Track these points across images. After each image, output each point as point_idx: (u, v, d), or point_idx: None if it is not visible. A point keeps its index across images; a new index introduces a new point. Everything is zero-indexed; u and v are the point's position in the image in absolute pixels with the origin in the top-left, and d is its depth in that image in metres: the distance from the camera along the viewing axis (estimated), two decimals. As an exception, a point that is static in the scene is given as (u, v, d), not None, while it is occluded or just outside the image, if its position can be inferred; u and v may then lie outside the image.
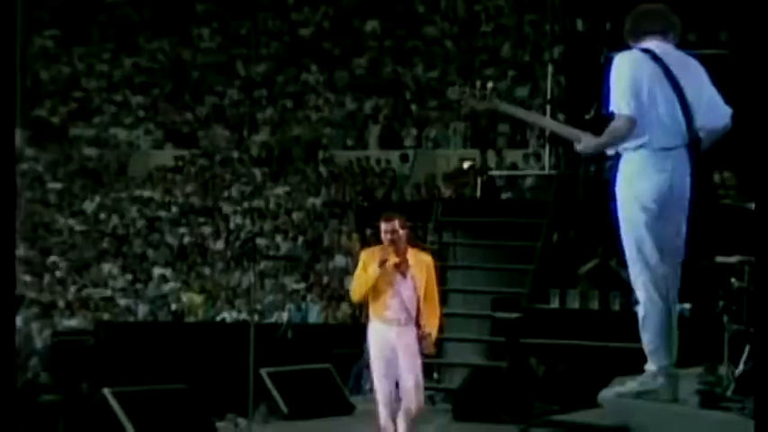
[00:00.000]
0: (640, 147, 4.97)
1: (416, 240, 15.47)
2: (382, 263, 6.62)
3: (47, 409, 10.39)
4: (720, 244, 5.51)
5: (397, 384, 6.73)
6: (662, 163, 4.95)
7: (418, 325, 6.71)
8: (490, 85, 5.24)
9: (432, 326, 6.76)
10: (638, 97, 4.95)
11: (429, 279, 6.76)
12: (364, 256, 6.80)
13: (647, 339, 5.01)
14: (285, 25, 28.26)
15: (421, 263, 6.79)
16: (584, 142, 5.10)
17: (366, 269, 6.68)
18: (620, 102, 4.98)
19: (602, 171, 5.25)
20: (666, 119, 4.98)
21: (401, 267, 6.70)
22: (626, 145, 5.01)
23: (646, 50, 5.04)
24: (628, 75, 4.99)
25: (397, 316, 6.67)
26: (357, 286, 6.78)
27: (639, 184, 4.96)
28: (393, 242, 6.69)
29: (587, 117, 5.19)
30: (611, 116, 5.06)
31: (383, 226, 6.76)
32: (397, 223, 6.76)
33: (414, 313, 6.67)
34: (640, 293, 5.02)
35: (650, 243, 4.96)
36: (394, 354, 6.65)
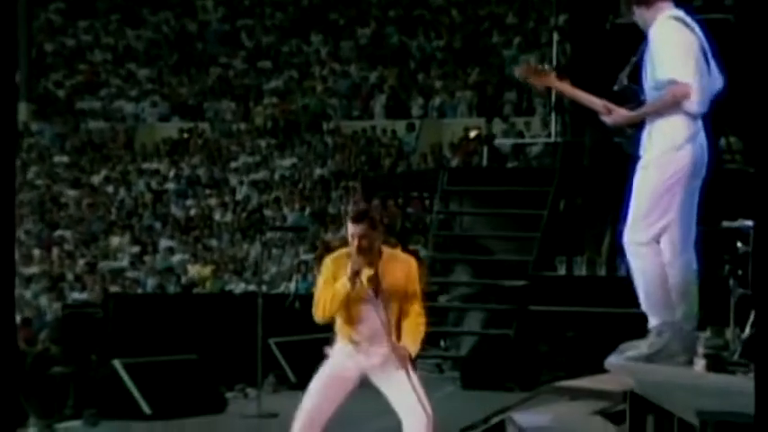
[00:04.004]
0: (679, 112, 5.04)
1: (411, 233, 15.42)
2: (354, 275, 5.11)
3: (57, 380, 10.45)
4: (726, 208, 5.54)
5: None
6: (694, 129, 5.06)
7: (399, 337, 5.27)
8: (548, 66, 5.58)
9: (410, 343, 5.24)
10: (690, 65, 5.01)
11: (409, 289, 5.25)
12: (330, 264, 5.25)
13: (644, 297, 5.15)
14: (289, -5, 28.17)
15: (398, 270, 5.24)
16: (618, 113, 5.17)
17: (332, 281, 5.19)
18: (678, 68, 5.02)
19: (627, 141, 5.27)
20: (703, 87, 5.07)
21: (373, 281, 5.17)
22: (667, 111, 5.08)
23: (679, 18, 5.10)
24: (679, 43, 5.05)
25: (368, 343, 5.24)
26: (322, 303, 5.21)
27: (676, 152, 5.04)
28: (363, 250, 5.14)
29: (616, 88, 5.21)
30: (636, 88, 5.11)
31: (351, 228, 5.19)
32: (368, 225, 5.16)
33: (391, 332, 5.20)
34: (641, 249, 5.11)
35: (667, 211, 5.05)
36: (351, 380, 5.28)
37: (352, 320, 5.24)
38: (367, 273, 5.15)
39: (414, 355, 5.25)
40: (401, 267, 5.27)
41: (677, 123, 5.08)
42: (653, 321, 5.19)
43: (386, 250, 5.30)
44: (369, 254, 5.16)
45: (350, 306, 5.21)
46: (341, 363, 5.29)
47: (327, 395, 5.25)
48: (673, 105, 5.05)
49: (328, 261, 5.28)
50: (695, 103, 5.07)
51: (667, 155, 5.08)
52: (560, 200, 11.84)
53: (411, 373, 5.20)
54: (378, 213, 5.55)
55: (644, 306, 5.21)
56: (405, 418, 5.20)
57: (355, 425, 6.90)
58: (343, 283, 5.13)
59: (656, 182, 5.10)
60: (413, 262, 5.35)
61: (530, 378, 9.80)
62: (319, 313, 5.24)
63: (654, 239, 5.13)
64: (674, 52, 5.04)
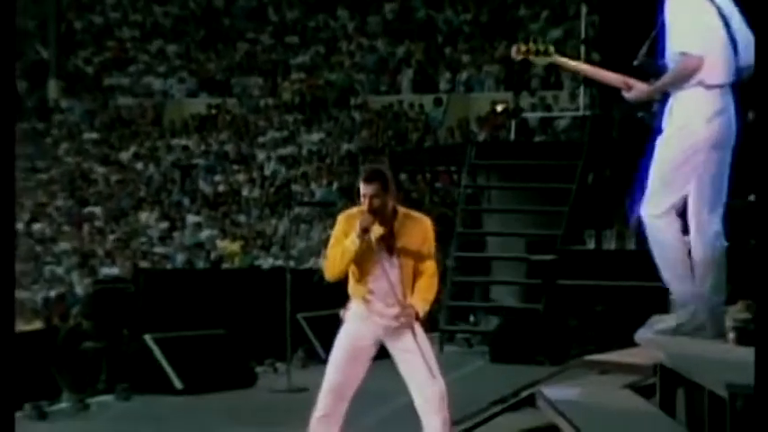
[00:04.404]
0: (698, 84, 5.01)
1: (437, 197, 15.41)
2: (363, 231, 5.04)
3: (89, 355, 10.55)
4: (754, 183, 5.50)
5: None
6: (718, 102, 5.02)
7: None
8: (549, 45, 5.37)
9: (419, 302, 5.15)
10: (702, 36, 4.97)
11: (424, 249, 5.18)
12: (343, 221, 5.18)
13: (664, 269, 5.14)
14: (316, -30, 28.10)
15: (412, 230, 5.18)
16: (637, 89, 5.15)
17: (342, 239, 5.13)
18: (687, 41, 5.00)
19: (650, 115, 5.28)
20: (722, 58, 5.03)
21: (387, 240, 5.12)
22: (684, 83, 5.04)
23: None
24: (691, 15, 5.02)
25: (383, 303, 5.15)
26: (331, 261, 5.16)
27: (698, 122, 5.01)
28: (374, 211, 5.09)
29: (635, 63, 5.19)
30: (660, 61, 5.08)
31: (362, 188, 5.15)
32: (380, 185, 5.11)
33: (405, 292, 5.15)
34: (658, 222, 5.09)
35: (687, 182, 5.02)
36: (369, 347, 5.22)
37: (365, 280, 5.15)
38: (378, 230, 5.09)
39: (422, 313, 5.17)
40: (417, 227, 5.20)
41: (697, 96, 5.04)
42: (676, 294, 5.17)
43: (401, 210, 5.21)
44: (381, 214, 5.10)
45: (363, 265, 5.13)
46: (356, 329, 5.21)
47: (350, 367, 5.18)
48: (685, 78, 5.02)
49: (341, 218, 5.21)
50: (715, 75, 5.02)
51: (688, 128, 5.05)
52: (589, 173, 11.80)
53: (419, 334, 5.12)
54: (391, 173, 5.31)
55: (665, 279, 5.18)
56: (414, 392, 5.12)
57: (382, 400, 6.94)
58: (352, 240, 5.06)
59: (675, 154, 5.07)
60: (428, 222, 5.27)
61: (559, 352, 9.80)
62: (329, 270, 5.19)
63: (670, 211, 5.11)
64: (684, 24, 5.01)
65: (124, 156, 24.47)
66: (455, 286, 11.50)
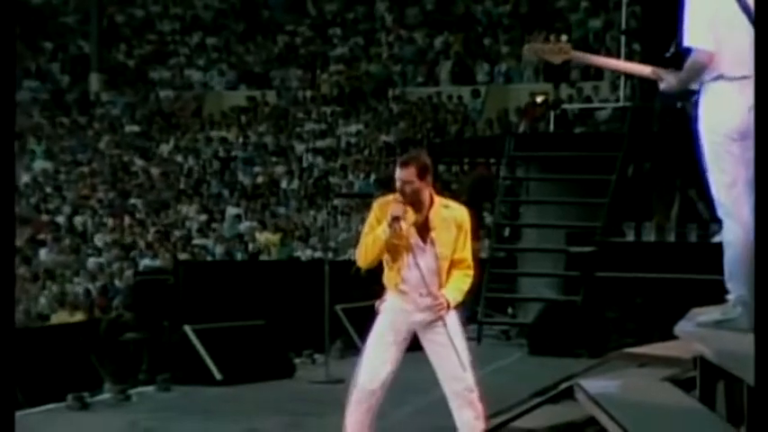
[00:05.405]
0: (719, 77, 4.95)
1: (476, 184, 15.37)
2: (394, 220, 4.95)
3: (131, 346, 10.67)
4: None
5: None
6: (743, 91, 4.94)
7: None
8: (564, 37, 5.27)
9: (451, 291, 5.09)
10: (715, 29, 4.91)
11: (460, 240, 5.08)
12: (377, 208, 5.12)
13: (725, 267, 5.06)
14: (355, -38, 28.11)
15: (449, 220, 5.08)
16: (668, 80, 5.10)
17: (376, 226, 5.08)
18: (697, 36, 4.95)
19: (690, 104, 5.18)
20: (743, 48, 4.94)
21: (420, 228, 5.05)
22: (704, 77, 4.99)
23: None
24: (703, 8, 4.95)
25: (417, 293, 5.09)
26: (363, 248, 5.12)
27: (723, 116, 4.96)
28: (408, 196, 5.02)
29: (667, 55, 5.15)
30: (688, 52, 5.03)
31: (397, 173, 5.08)
32: (414, 171, 5.04)
33: (440, 282, 5.11)
34: (725, 220, 5.05)
35: (735, 173, 4.96)
36: (402, 340, 5.18)
37: (398, 269, 5.10)
38: (410, 219, 5.02)
39: (454, 303, 5.11)
40: (453, 217, 5.12)
41: (716, 89, 4.98)
42: (732, 293, 5.09)
43: (438, 199, 5.15)
44: (415, 201, 5.04)
45: (396, 254, 5.07)
46: (391, 322, 5.17)
47: (383, 357, 5.16)
48: (698, 73, 4.97)
49: (375, 205, 5.17)
50: (737, 67, 4.93)
51: (712, 122, 5.00)
52: (629, 165, 11.72)
53: (452, 326, 5.08)
54: (428, 160, 5.17)
55: (725, 276, 5.10)
56: (445, 385, 5.11)
57: (419, 391, 6.95)
58: (383, 228, 5.01)
59: (708, 149, 5.02)
60: (465, 212, 5.18)
61: (598, 344, 9.76)
62: (361, 258, 5.15)
63: (733, 207, 4.99)
64: (691, 18, 4.96)
65: (164, 148, 24.64)
66: (492, 278, 11.47)
